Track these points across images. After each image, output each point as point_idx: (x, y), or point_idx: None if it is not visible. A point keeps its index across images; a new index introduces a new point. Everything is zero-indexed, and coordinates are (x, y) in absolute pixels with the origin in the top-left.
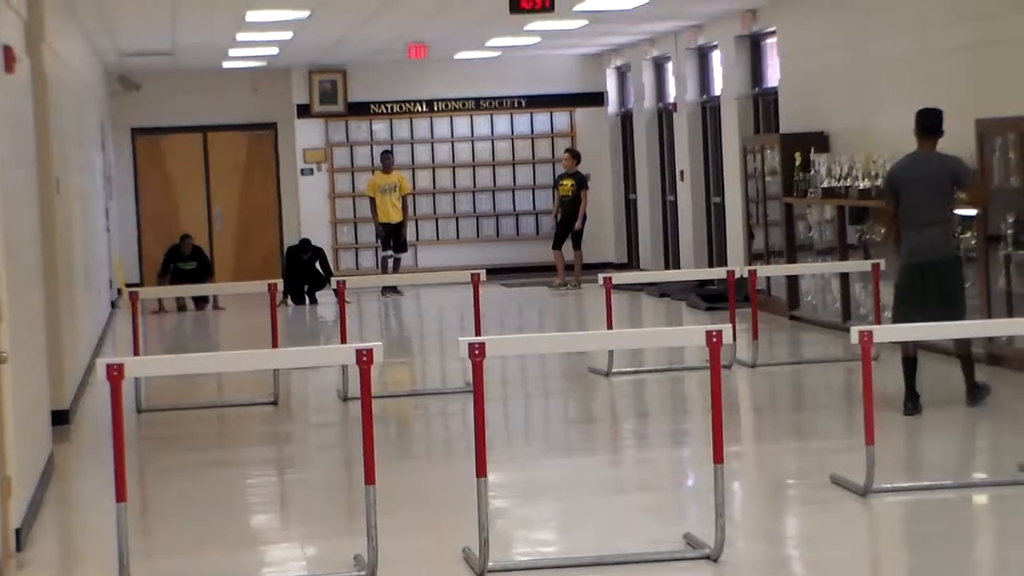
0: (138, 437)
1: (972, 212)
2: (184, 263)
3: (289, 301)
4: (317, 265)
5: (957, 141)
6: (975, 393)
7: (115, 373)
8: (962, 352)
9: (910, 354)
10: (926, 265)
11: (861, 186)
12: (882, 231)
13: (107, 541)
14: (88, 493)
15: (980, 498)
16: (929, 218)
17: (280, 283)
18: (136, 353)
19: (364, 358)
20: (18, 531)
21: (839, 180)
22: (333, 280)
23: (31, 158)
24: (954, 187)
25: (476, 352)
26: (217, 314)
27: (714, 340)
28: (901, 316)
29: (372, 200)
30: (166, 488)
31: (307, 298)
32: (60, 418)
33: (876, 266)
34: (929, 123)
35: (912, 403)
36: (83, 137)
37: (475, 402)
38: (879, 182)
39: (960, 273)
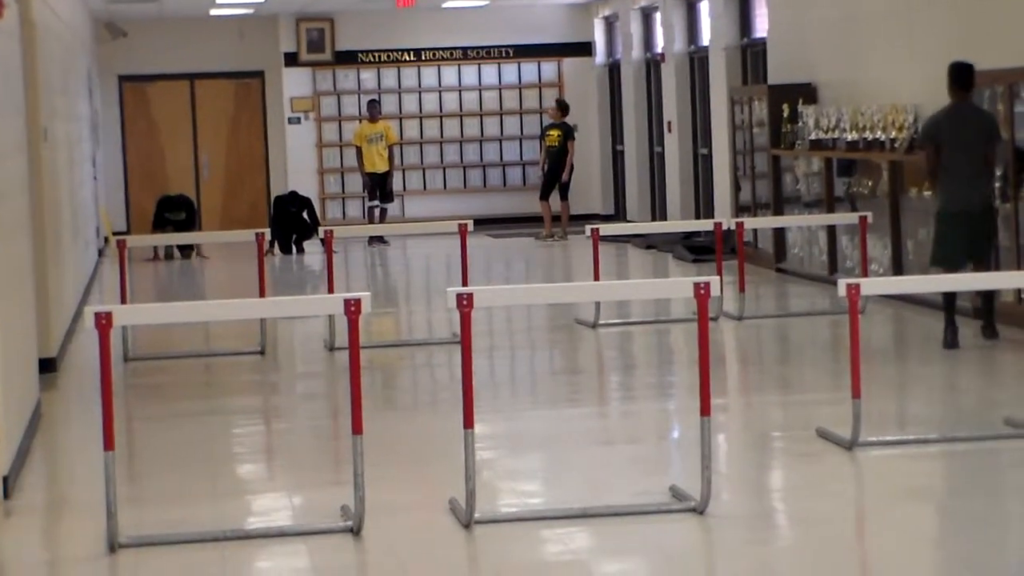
0: (125, 385)
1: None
2: (173, 213)
3: (276, 250)
4: (305, 215)
5: (943, 95)
6: (989, 331)
7: (103, 321)
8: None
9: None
10: (965, 213)
11: (849, 138)
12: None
13: (94, 489)
14: (75, 441)
15: (966, 452)
16: (966, 170)
17: (268, 232)
18: (123, 302)
19: (352, 308)
20: (5, 479)
21: (827, 132)
22: (320, 230)
23: (19, 107)
24: (993, 142)
25: (464, 302)
26: (203, 263)
27: (702, 292)
28: (940, 260)
29: (359, 149)
30: (153, 436)
31: (294, 248)
32: (47, 366)
33: (863, 219)
34: (965, 77)
35: (952, 336)
36: (70, 85)
37: (463, 353)
38: (867, 134)
39: (995, 222)
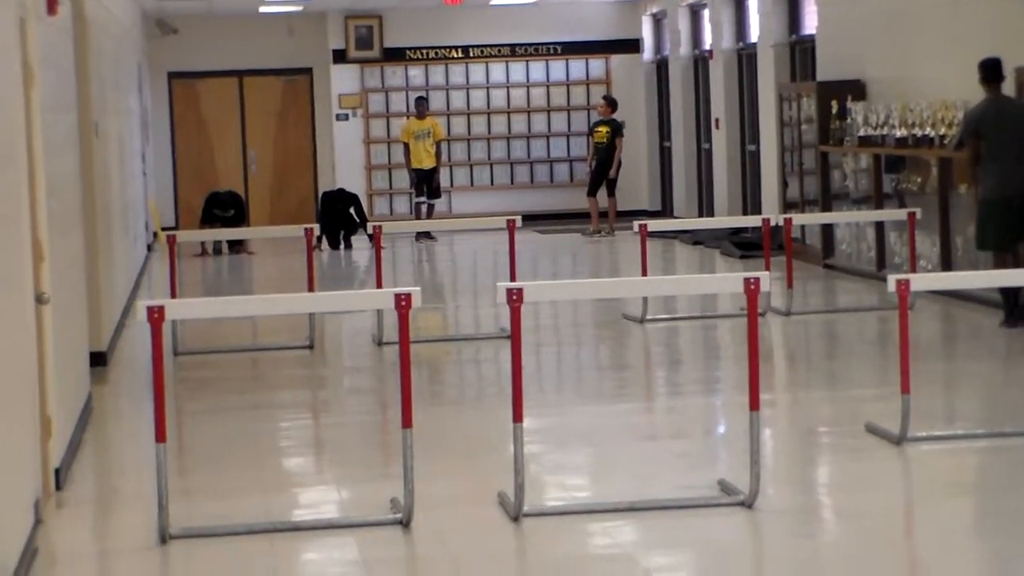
0: (174, 379)
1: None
2: (222, 210)
3: (324, 245)
4: (352, 211)
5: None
6: (1016, 315)
7: (156, 315)
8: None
9: (1009, 267)
10: (1008, 198)
11: (898, 134)
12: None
13: (145, 481)
14: (126, 434)
15: (1015, 447)
16: (1011, 155)
17: (316, 228)
18: (173, 296)
19: (403, 303)
20: (57, 471)
21: (876, 128)
22: (368, 226)
23: (71, 102)
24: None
25: (514, 297)
26: (250, 258)
27: (752, 287)
28: (984, 243)
29: (406, 146)
30: (202, 430)
31: (342, 243)
32: (98, 360)
33: (912, 215)
34: (992, 71)
35: (1012, 315)
36: (121, 81)
37: (512, 347)
38: (916, 131)
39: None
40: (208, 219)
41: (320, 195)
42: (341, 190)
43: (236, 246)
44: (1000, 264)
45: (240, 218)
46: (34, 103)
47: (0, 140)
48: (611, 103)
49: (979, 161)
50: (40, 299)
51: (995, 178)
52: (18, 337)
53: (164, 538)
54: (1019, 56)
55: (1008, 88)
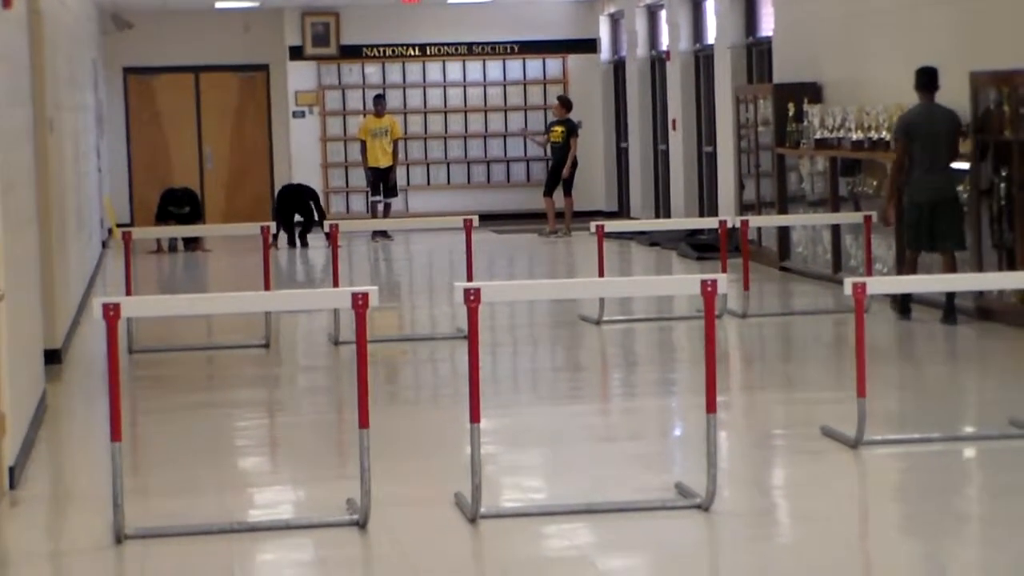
0: (130, 377)
1: (966, 166)
2: (177, 207)
3: (282, 243)
4: (312, 205)
5: (951, 94)
6: (951, 316)
7: (111, 313)
8: (952, 272)
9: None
10: (930, 203)
11: (854, 137)
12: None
13: (100, 480)
14: (80, 432)
15: (970, 451)
16: (936, 162)
17: (272, 225)
18: (128, 293)
19: (360, 302)
20: (11, 469)
21: (832, 131)
22: (325, 224)
23: (25, 97)
24: (957, 137)
25: (471, 298)
26: (206, 255)
27: (708, 289)
28: (911, 243)
29: (363, 143)
30: (157, 428)
31: (298, 241)
32: (52, 357)
33: (868, 218)
34: (928, 79)
35: (950, 314)
36: (76, 76)
37: (470, 348)
38: (872, 134)
39: (959, 211)
40: (163, 216)
41: (278, 189)
42: (300, 185)
43: (192, 243)
44: (911, 265)
45: (196, 215)
46: None
47: None
48: (566, 103)
49: (902, 166)
50: None
51: (913, 185)
52: None
53: (119, 538)
54: (973, 61)
55: (962, 92)
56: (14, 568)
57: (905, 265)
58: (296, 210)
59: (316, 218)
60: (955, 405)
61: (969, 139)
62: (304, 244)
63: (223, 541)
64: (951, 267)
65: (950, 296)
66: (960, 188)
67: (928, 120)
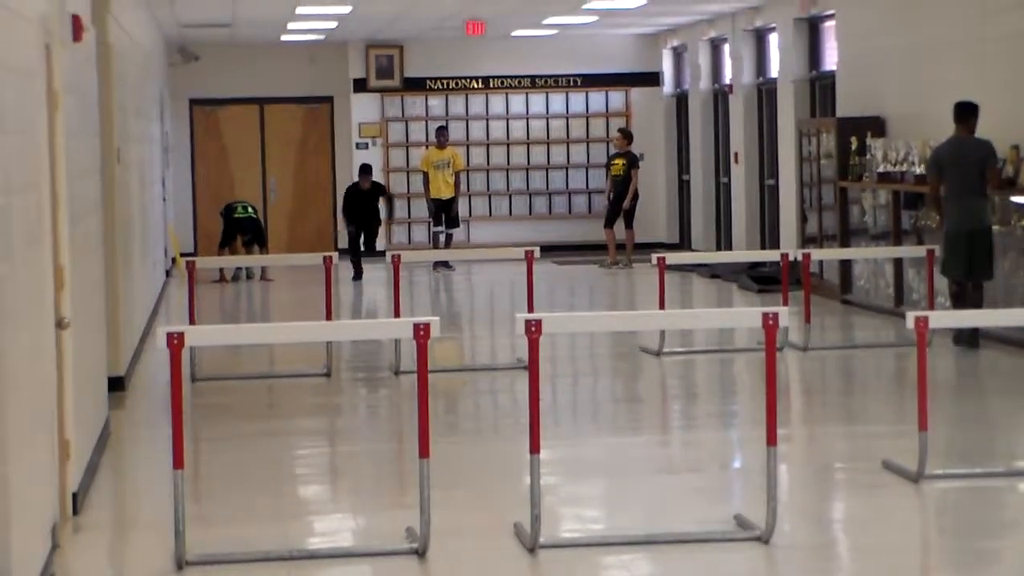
0: (192, 405)
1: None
2: (244, 229)
3: (349, 273)
4: (380, 201)
5: (1014, 128)
6: (972, 339)
7: (175, 341)
8: (978, 300)
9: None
10: (965, 233)
11: (917, 171)
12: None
13: (161, 507)
14: (143, 459)
15: None
16: (964, 193)
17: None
18: (192, 322)
19: (421, 332)
20: (75, 495)
21: (895, 165)
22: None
23: (95, 128)
24: (988, 168)
25: (532, 329)
26: (268, 284)
27: (770, 322)
28: (948, 271)
29: (425, 175)
30: (219, 456)
31: (363, 246)
32: (116, 384)
33: (931, 252)
34: (960, 112)
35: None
36: (143, 107)
37: (530, 378)
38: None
39: (991, 240)
40: (228, 242)
41: (345, 189)
42: (374, 182)
43: (253, 274)
44: (957, 294)
45: (261, 245)
46: (58, 128)
47: (24, 165)
48: (627, 136)
49: (937, 197)
50: (60, 324)
51: (951, 215)
52: (38, 362)
53: (180, 564)
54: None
55: (1020, 131)
56: None
57: (950, 296)
58: (364, 207)
59: (387, 215)
60: (1017, 439)
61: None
62: (371, 246)
63: (283, 568)
64: (979, 297)
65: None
66: (991, 219)
67: (958, 152)
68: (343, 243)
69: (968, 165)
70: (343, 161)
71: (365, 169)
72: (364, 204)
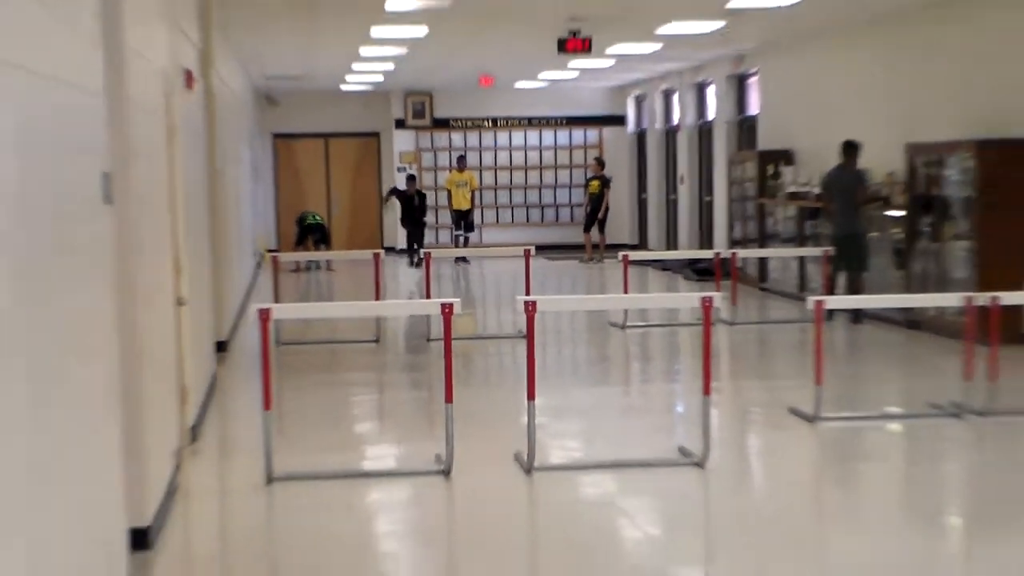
0: (276, 363)
1: (901, 213)
2: (313, 232)
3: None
4: (422, 206)
5: (889, 160)
6: (856, 317)
7: (264, 316)
8: (855, 287)
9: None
10: (843, 237)
11: (816, 192)
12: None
13: (254, 437)
14: (241, 402)
15: (897, 426)
16: (843, 209)
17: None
18: (275, 301)
19: (447, 310)
20: (192, 428)
21: (800, 187)
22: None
23: (202, 154)
24: (859, 191)
25: (530, 308)
26: (331, 274)
27: (707, 304)
28: (834, 268)
29: (449, 192)
30: (295, 401)
31: (416, 255)
32: (220, 347)
33: (826, 252)
34: (842, 149)
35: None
36: (237, 139)
37: (528, 345)
38: None
39: (863, 243)
40: (302, 242)
41: (392, 188)
42: (418, 190)
43: (321, 265)
44: (830, 283)
45: (325, 243)
46: (176, 154)
47: (151, 180)
48: (600, 163)
49: (828, 210)
50: (179, 301)
51: (834, 224)
52: (164, 330)
53: (269, 479)
54: (908, 135)
55: (898, 160)
56: (196, 500)
57: (825, 282)
58: (412, 209)
59: (422, 216)
60: (888, 391)
61: (901, 194)
62: (420, 245)
63: (343, 483)
64: (855, 285)
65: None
66: (864, 227)
67: (838, 179)
68: (388, 242)
69: (847, 188)
70: (387, 181)
71: (411, 178)
72: (409, 206)
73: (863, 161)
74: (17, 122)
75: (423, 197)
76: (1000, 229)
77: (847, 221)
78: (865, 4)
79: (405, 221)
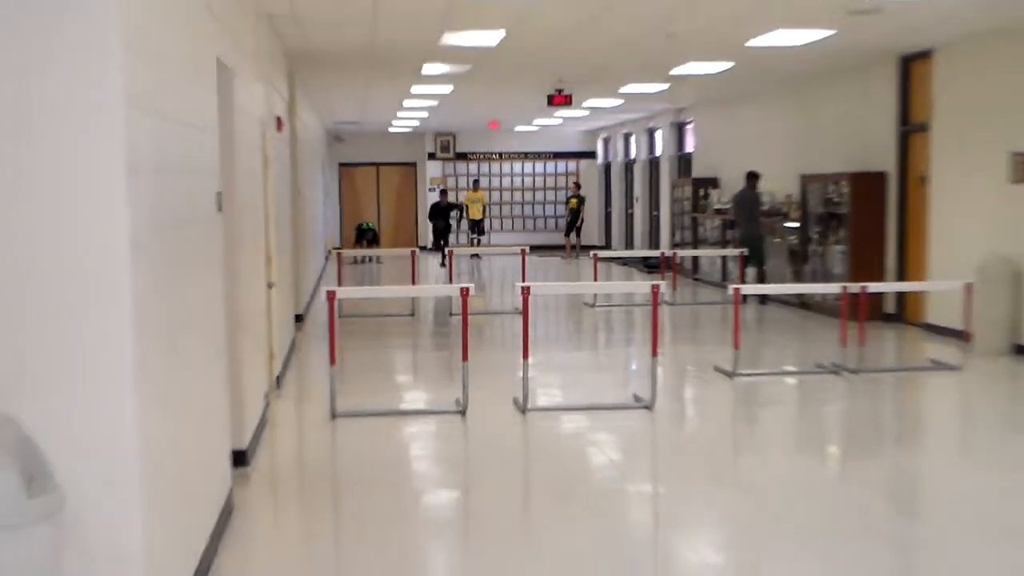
0: (339, 331)
1: (796, 224)
2: (366, 235)
3: (437, 260)
4: (453, 213)
5: (787, 184)
6: (764, 300)
7: (331, 296)
8: (761, 278)
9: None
10: (745, 242)
11: (732, 208)
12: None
13: (322, 384)
14: (314, 359)
15: (793, 380)
16: (747, 222)
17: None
18: (339, 284)
19: (464, 292)
20: (277, 378)
21: (723, 205)
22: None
23: (287, 178)
24: (755, 208)
25: (525, 291)
26: (380, 266)
27: (655, 290)
28: (745, 265)
29: (466, 206)
30: (353, 358)
31: (443, 252)
32: (299, 319)
33: (741, 253)
34: (751, 177)
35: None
36: (313, 167)
37: (523, 319)
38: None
39: (761, 245)
40: (359, 241)
41: (431, 203)
42: (449, 203)
43: (372, 259)
44: (742, 275)
45: (375, 242)
46: (269, 178)
47: (252, 197)
48: (578, 186)
49: (737, 223)
50: (269, 285)
51: (739, 233)
52: (258, 306)
53: (333, 416)
54: (802, 167)
55: (795, 186)
56: (279, 430)
57: (740, 274)
58: (444, 219)
59: (455, 223)
60: (785, 354)
61: (797, 211)
62: (446, 243)
63: (386, 419)
64: (761, 276)
65: (761, 280)
66: (761, 233)
67: (741, 199)
68: (422, 241)
69: (749, 206)
70: (422, 198)
71: (443, 192)
72: (441, 214)
73: (768, 186)
74: (157, 155)
75: (453, 206)
76: (866, 237)
77: (748, 230)
78: (770, 74)
79: (432, 218)
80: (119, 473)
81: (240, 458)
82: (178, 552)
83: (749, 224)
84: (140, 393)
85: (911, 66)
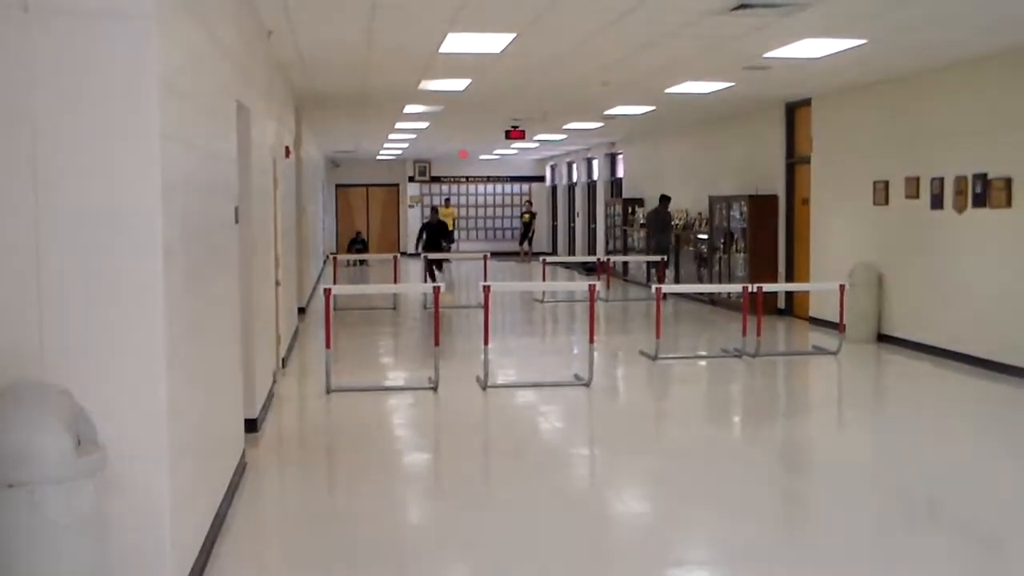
0: (335, 321)
1: (705, 236)
2: (357, 243)
3: (435, 273)
4: (445, 239)
5: (700, 205)
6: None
7: (327, 292)
8: (660, 276)
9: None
10: (660, 249)
11: (642, 223)
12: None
13: (320, 364)
14: (313, 343)
15: (703, 363)
16: (659, 235)
17: (419, 244)
18: (334, 283)
19: (436, 290)
20: (283, 359)
21: (641, 220)
22: (452, 240)
23: (293, 196)
24: (667, 223)
25: (486, 289)
26: (368, 268)
27: (592, 288)
28: (657, 267)
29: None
30: (345, 343)
31: (436, 269)
32: (301, 311)
33: (662, 259)
34: (663, 199)
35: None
36: (314, 188)
37: (484, 312)
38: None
39: (669, 251)
40: (351, 249)
41: (424, 223)
42: (441, 222)
43: (362, 262)
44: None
45: (365, 249)
46: (278, 196)
47: (264, 212)
48: (530, 203)
49: (651, 235)
50: (277, 283)
51: (653, 243)
52: (267, 300)
53: (328, 390)
54: (710, 190)
55: (704, 205)
56: (284, 401)
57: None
58: (434, 234)
59: (447, 241)
60: (698, 341)
61: (706, 226)
62: (440, 268)
63: (372, 393)
64: (665, 264)
65: (660, 278)
66: (669, 244)
67: (655, 216)
68: (403, 249)
69: (661, 222)
70: (403, 214)
71: (435, 210)
72: (433, 231)
73: (683, 206)
74: (186, 176)
75: (444, 225)
76: (761, 247)
77: (659, 241)
78: (684, 115)
79: (428, 247)
80: (152, 436)
81: (251, 425)
82: (200, 501)
83: (660, 238)
84: (170, 370)
85: (795, 111)
